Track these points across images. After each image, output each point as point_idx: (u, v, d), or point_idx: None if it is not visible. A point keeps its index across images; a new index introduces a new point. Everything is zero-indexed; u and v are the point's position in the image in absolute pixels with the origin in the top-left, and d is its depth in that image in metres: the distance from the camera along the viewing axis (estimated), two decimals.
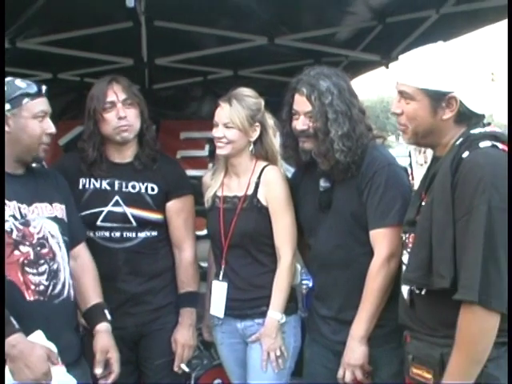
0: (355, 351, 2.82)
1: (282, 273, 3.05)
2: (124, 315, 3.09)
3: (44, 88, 2.70)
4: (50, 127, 2.68)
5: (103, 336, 2.78)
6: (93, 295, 2.83)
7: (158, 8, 3.88)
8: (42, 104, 2.67)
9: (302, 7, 4.17)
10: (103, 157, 3.14)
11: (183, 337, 3.14)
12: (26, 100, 2.62)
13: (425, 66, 2.40)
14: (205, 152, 5.64)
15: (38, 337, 2.46)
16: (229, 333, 3.18)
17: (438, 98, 2.36)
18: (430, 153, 2.70)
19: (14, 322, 2.40)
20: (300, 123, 2.90)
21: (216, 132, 3.09)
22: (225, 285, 3.12)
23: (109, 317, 2.79)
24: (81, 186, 3.13)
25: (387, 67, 5.02)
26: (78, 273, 2.79)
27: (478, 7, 3.98)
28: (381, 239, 2.80)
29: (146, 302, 3.14)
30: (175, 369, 3.14)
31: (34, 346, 2.40)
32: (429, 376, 2.36)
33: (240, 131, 3.07)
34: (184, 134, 5.71)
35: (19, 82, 2.65)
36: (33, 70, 5.04)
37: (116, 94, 3.09)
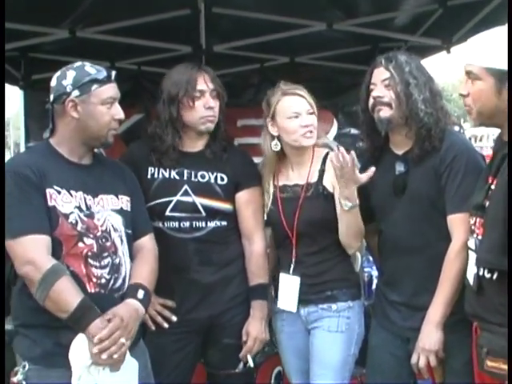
0: (431, 336, 2.78)
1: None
2: (198, 306, 3.07)
3: (114, 73, 2.66)
4: (119, 113, 2.65)
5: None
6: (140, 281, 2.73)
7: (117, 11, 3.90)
8: (110, 90, 2.63)
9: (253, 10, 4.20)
10: (175, 145, 3.10)
11: (256, 330, 3.07)
12: (95, 86, 2.59)
13: (491, 45, 2.40)
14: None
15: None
16: (289, 320, 3.15)
17: (502, 78, 2.34)
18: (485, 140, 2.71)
19: (96, 306, 2.45)
20: (377, 91, 2.89)
21: (303, 121, 3.02)
22: (297, 279, 3.08)
23: (140, 296, 2.63)
24: (149, 176, 3.08)
25: (449, 52, 4.92)
26: (136, 265, 2.73)
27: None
28: (459, 224, 2.74)
29: (220, 291, 3.09)
30: (241, 357, 3.09)
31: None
32: (506, 367, 2.32)
33: (316, 116, 3.08)
34: (241, 121, 5.69)
35: (89, 68, 2.62)
36: (91, 59, 5.05)
37: (206, 83, 3.04)
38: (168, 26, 4.50)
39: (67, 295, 2.41)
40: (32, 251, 2.42)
